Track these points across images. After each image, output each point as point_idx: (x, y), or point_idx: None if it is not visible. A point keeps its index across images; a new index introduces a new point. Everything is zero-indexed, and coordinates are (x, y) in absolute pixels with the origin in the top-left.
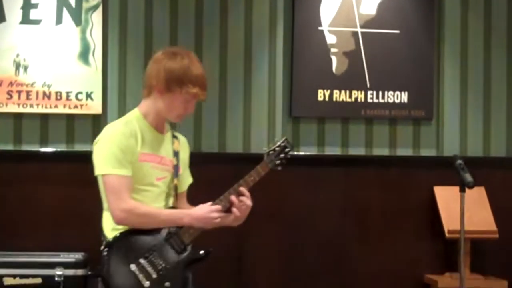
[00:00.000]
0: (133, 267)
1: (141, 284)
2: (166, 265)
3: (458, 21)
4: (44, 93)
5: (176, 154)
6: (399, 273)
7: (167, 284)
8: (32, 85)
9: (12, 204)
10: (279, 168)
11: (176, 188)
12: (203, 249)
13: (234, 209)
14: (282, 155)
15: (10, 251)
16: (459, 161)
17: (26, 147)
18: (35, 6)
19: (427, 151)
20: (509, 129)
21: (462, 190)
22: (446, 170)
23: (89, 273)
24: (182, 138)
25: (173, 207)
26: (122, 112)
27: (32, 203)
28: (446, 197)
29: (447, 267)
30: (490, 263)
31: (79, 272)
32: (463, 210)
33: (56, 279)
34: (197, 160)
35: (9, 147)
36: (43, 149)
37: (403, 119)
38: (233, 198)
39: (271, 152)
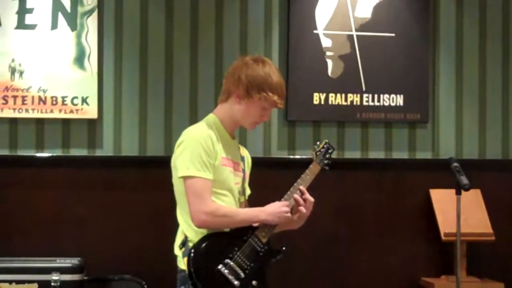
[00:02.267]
0: (221, 267)
1: (232, 284)
2: (250, 263)
3: (453, 24)
4: (39, 98)
5: (242, 159)
6: (395, 276)
7: (254, 282)
8: (27, 90)
9: (8, 209)
10: (327, 167)
11: (244, 192)
12: (282, 247)
13: (300, 208)
14: (327, 155)
15: (5, 257)
16: (455, 164)
17: (21, 152)
18: (30, 11)
19: (422, 154)
20: (504, 131)
21: (458, 193)
22: (442, 172)
23: (85, 278)
24: (245, 150)
25: None
26: (118, 116)
27: (28, 208)
28: (442, 200)
29: (443, 270)
30: (487, 266)
31: (76, 277)
32: (459, 212)
33: (52, 284)
34: None
35: (5, 152)
36: (38, 154)
37: (399, 122)
38: (297, 196)
39: (318, 152)
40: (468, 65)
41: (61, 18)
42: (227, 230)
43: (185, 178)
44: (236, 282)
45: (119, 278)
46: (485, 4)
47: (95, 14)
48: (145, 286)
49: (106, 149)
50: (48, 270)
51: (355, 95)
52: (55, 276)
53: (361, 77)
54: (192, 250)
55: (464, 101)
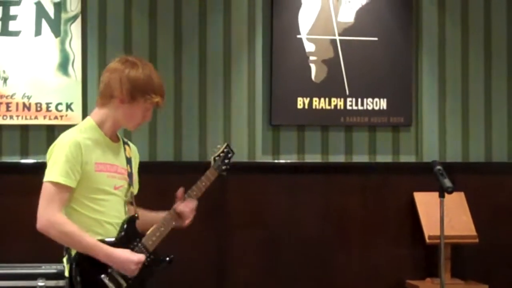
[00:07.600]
0: (103, 277)
1: None
2: None
3: (435, 27)
4: (24, 105)
5: (129, 161)
6: (380, 279)
7: None
8: (12, 96)
9: None
10: (225, 173)
11: (132, 195)
12: (166, 256)
13: (187, 221)
14: (226, 160)
15: None
16: (438, 167)
17: (6, 159)
18: (14, 17)
19: (406, 157)
20: (487, 134)
21: (442, 196)
22: (425, 176)
23: None
24: (132, 146)
25: (132, 217)
26: None
27: (13, 214)
28: (426, 202)
29: (428, 272)
30: (471, 268)
31: (61, 283)
32: (442, 215)
33: None
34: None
35: None
36: (23, 161)
37: (382, 126)
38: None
39: (217, 158)
40: (450, 68)
41: (44, 24)
42: (112, 238)
43: (44, 182)
44: None
45: None
46: (467, 8)
47: (78, 20)
48: None
49: None
50: (34, 276)
51: (338, 99)
52: (40, 282)
53: (344, 81)
54: (76, 258)
55: (447, 104)
